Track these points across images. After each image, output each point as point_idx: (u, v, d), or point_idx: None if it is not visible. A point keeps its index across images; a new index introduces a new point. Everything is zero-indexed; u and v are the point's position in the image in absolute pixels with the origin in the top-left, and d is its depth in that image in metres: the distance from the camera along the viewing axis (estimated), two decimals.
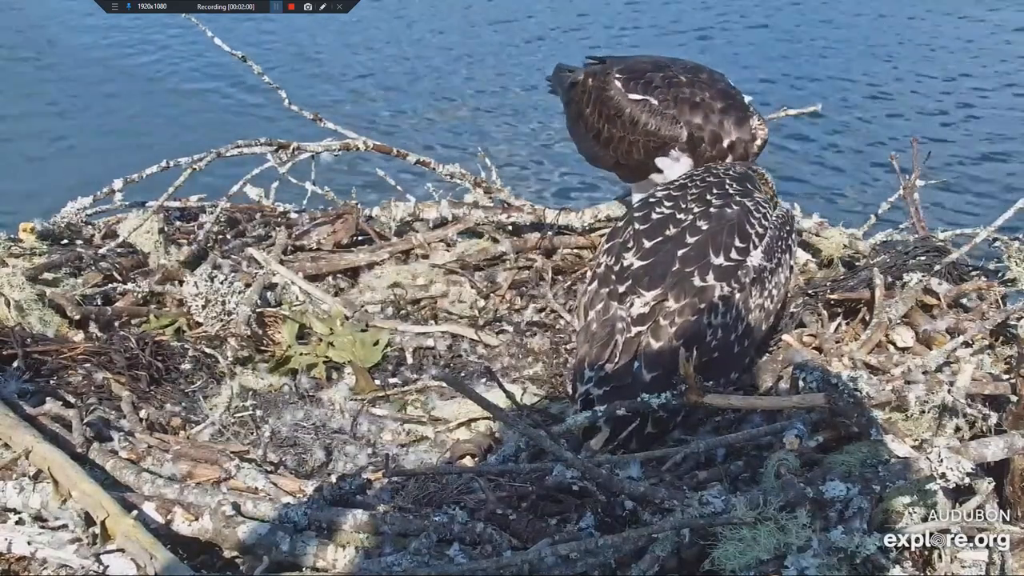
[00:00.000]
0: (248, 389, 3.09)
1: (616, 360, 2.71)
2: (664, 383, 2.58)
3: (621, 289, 2.82)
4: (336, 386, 3.16)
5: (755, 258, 2.88)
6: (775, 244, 2.97)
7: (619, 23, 14.49)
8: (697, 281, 2.78)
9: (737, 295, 2.80)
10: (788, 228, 3.09)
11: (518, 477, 2.35)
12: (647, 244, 2.90)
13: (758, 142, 3.56)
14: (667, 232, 2.91)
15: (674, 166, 3.57)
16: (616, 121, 3.63)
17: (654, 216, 2.98)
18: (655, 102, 3.56)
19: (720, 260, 2.82)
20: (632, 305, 2.78)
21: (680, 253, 2.84)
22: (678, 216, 2.95)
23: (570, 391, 2.88)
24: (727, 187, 3.07)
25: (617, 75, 3.69)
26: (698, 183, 3.11)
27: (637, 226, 2.97)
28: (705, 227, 2.90)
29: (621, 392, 2.63)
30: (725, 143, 3.51)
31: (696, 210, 2.96)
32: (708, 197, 3.01)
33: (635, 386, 2.63)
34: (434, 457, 2.83)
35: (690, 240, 2.87)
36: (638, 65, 3.75)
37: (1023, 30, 13.29)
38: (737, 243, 2.86)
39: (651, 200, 3.10)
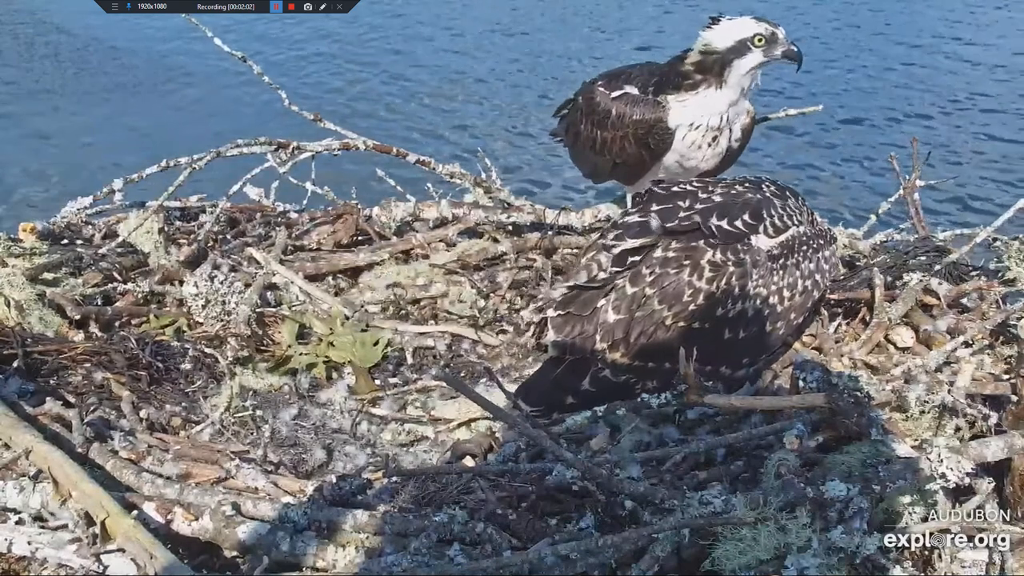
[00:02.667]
0: (248, 389, 3.09)
1: (585, 293, 2.70)
2: (625, 329, 2.60)
3: (611, 236, 2.78)
4: (336, 386, 3.16)
5: (763, 243, 2.69)
6: (796, 244, 2.76)
7: (620, 27, 14.50)
8: (689, 238, 2.65)
9: (732, 268, 2.62)
10: (821, 240, 2.84)
11: (518, 477, 2.35)
12: (655, 207, 2.80)
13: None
14: (679, 202, 2.79)
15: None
16: (606, 123, 3.67)
17: (674, 189, 2.88)
18: (635, 91, 3.59)
19: (723, 224, 2.66)
20: (614, 249, 2.73)
21: (682, 214, 2.72)
22: (699, 194, 2.82)
23: None
24: (763, 187, 2.89)
25: (600, 82, 3.79)
26: (735, 178, 3.00)
27: (654, 189, 2.91)
28: (719, 200, 2.76)
29: (579, 322, 2.65)
30: None
31: (719, 191, 2.82)
32: (737, 187, 2.86)
33: (595, 320, 2.64)
34: (434, 457, 2.82)
35: (698, 207, 2.74)
36: (618, 69, 3.84)
37: None
38: (747, 218, 2.68)
39: (680, 180, 3.03)
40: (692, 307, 2.60)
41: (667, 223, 2.71)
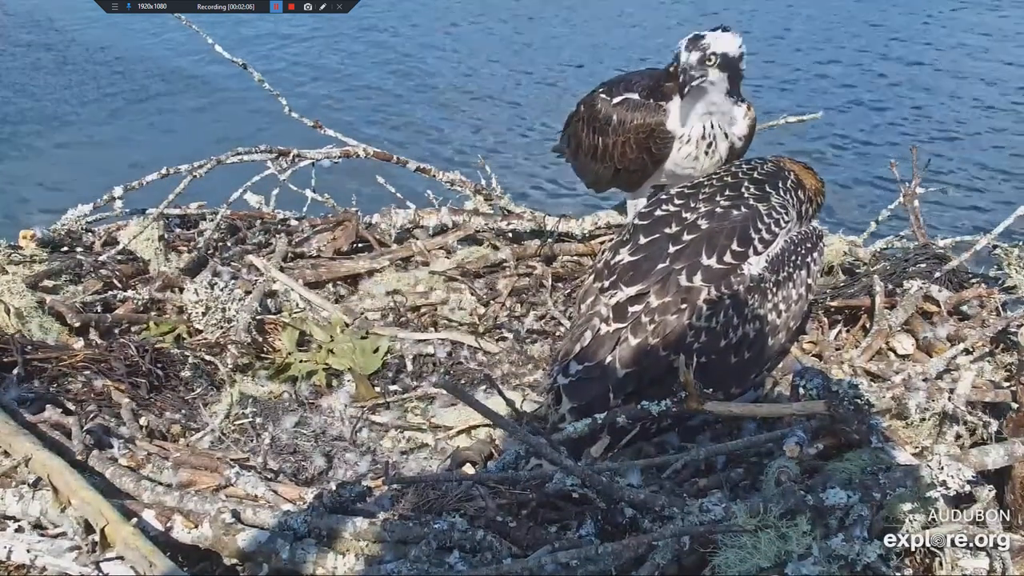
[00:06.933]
0: (248, 396, 3.09)
1: (590, 352, 2.68)
2: (637, 381, 2.59)
3: (606, 284, 2.79)
4: (336, 393, 3.16)
5: (755, 266, 2.72)
6: (786, 256, 2.78)
7: (621, 30, 14.53)
8: (683, 280, 2.67)
9: (728, 301, 2.65)
10: (808, 244, 2.87)
11: (518, 484, 2.35)
12: (643, 240, 2.82)
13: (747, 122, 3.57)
14: (666, 230, 2.81)
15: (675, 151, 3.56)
16: (607, 129, 3.64)
17: (658, 213, 2.89)
18: (636, 97, 3.58)
19: (711, 262, 2.68)
20: (612, 299, 2.73)
21: (672, 250, 2.74)
22: (683, 215, 2.83)
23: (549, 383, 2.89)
24: (743, 189, 2.90)
25: (601, 90, 3.77)
26: (715, 182, 2.99)
27: (638, 222, 2.92)
28: (705, 226, 2.77)
29: (590, 385, 2.63)
30: None
31: (702, 209, 2.83)
32: (718, 198, 2.86)
33: (606, 380, 2.63)
34: (434, 464, 2.82)
35: (686, 238, 2.75)
36: (619, 77, 3.82)
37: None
38: (735, 247, 2.71)
39: (661, 197, 3.02)
40: (696, 345, 2.63)
41: (648, 274, 2.71)
